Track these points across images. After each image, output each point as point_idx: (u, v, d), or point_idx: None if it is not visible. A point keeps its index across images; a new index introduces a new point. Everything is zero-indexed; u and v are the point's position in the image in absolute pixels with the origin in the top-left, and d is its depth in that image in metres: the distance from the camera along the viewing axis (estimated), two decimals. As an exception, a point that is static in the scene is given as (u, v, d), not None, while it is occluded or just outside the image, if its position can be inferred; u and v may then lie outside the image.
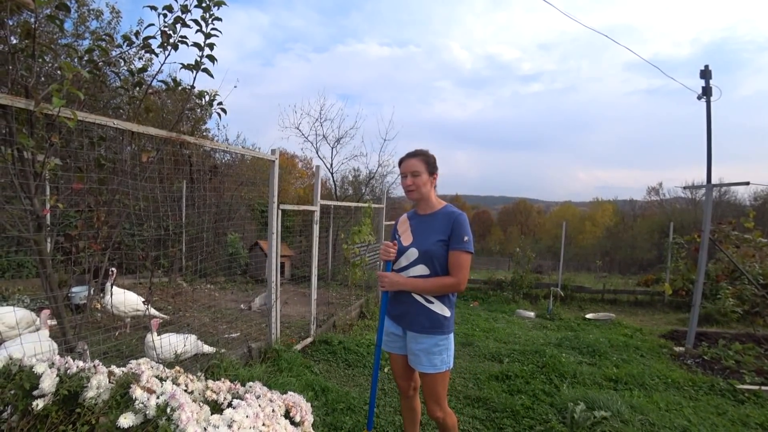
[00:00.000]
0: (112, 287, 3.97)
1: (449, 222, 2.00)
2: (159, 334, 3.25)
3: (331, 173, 11.87)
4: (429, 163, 2.08)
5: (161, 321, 3.98)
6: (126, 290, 4.29)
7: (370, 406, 2.20)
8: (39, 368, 1.57)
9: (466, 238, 1.97)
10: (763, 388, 3.80)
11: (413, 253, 2.05)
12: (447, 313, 2.05)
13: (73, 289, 4.43)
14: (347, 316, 5.67)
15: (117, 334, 4.19)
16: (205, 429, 1.43)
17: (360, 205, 6.80)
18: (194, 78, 2.42)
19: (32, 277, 6.13)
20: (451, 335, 2.09)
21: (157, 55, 2.25)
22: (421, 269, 2.03)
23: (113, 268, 4.11)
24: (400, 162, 2.12)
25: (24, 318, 3.44)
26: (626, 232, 25.39)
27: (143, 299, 4.16)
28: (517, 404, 3.27)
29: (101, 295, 3.98)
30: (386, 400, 3.34)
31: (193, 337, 3.41)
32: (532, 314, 7.44)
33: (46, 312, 2.76)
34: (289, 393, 1.88)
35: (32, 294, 5.41)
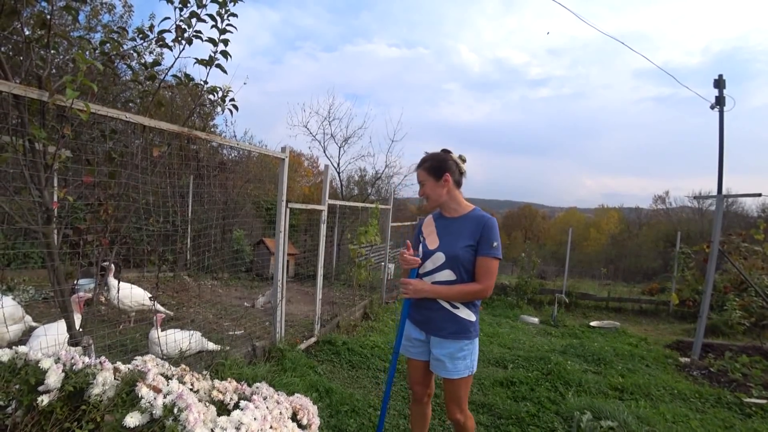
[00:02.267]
0: (119, 282, 3.95)
1: (479, 226, 1.92)
2: (163, 330, 3.24)
3: (338, 172, 11.87)
4: (432, 168, 1.99)
5: (165, 317, 3.96)
6: (133, 285, 4.29)
7: (381, 414, 2.16)
8: (45, 363, 1.55)
9: (495, 244, 1.90)
10: (772, 402, 3.74)
11: (440, 258, 1.96)
12: (473, 317, 2.00)
13: (80, 282, 4.43)
14: (351, 316, 5.64)
15: (120, 328, 4.19)
16: (212, 430, 1.40)
17: (367, 205, 6.78)
18: (207, 73, 2.42)
19: (38, 267, 6.14)
20: (476, 340, 2.04)
21: (171, 49, 2.23)
22: (448, 274, 1.95)
23: (111, 264, 4.07)
24: None
25: (12, 314, 3.14)
26: (631, 240, 25.22)
27: (149, 294, 4.16)
28: (522, 411, 3.23)
29: (106, 288, 3.97)
30: (391, 403, 3.31)
31: (197, 334, 3.40)
32: (536, 320, 7.39)
33: (78, 296, 2.60)
34: (296, 395, 1.85)
35: (37, 284, 5.42)
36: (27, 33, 2.05)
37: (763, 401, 3.76)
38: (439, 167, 1.98)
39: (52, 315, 4.06)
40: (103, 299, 4.14)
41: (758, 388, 4.10)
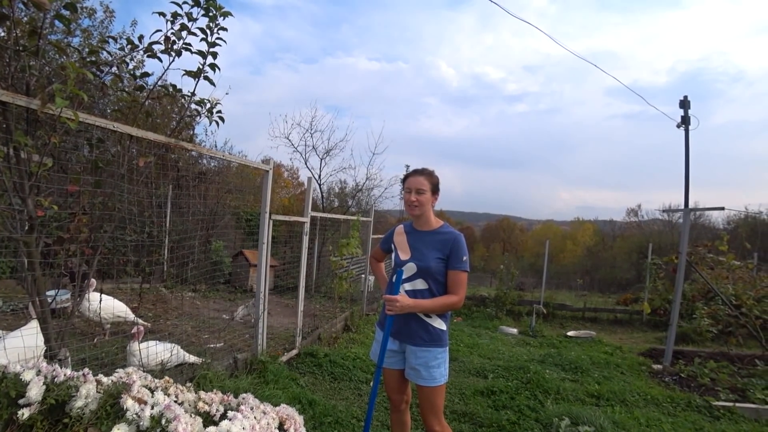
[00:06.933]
0: (101, 293, 3.86)
1: (448, 242, 2.06)
2: (140, 343, 3.17)
3: (319, 185, 11.85)
4: (433, 183, 2.15)
5: (143, 329, 3.88)
6: (113, 298, 4.19)
7: (365, 424, 2.17)
8: (27, 375, 1.52)
9: (465, 258, 2.05)
10: (737, 404, 3.92)
11: (411, 268, 2.08)
12: (443, 327, 2.10)
13: (50, 293, 4.28)
14: (332, 329, 5.62)
15: (95, 341, 4.06)
16: (200, 440, 1.40)
17: (349, 218, 6.81)
18: (195, 85, 2.43)
19: (5, 278, 5.90)
20: (447, 349, 2.13)
21: (161, 60, 2.25)
22: (421, 283, 2.08)
23: (92, 277, 3.99)
24: (406, 177, 2.16)
25: None
26: (606, 251, 25.93)
27: (129, 307, 4.06)
28: (503, 419, 3.29)
29: (82, 300, 3.86)
30: (374, 414, 3.31)
31: (177, 347, 3.34)
32: (515, 331, 7.51)
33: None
34: (282, 405, 1.85)
35: (5, 295, 5.20)
36: (2, 34, 2.01)
37: (730, 404, 3.93)
38: (437, 187, 2.18)
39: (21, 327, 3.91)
40: (76, 312, 4.01)
41: (725, 392, 4.29)
